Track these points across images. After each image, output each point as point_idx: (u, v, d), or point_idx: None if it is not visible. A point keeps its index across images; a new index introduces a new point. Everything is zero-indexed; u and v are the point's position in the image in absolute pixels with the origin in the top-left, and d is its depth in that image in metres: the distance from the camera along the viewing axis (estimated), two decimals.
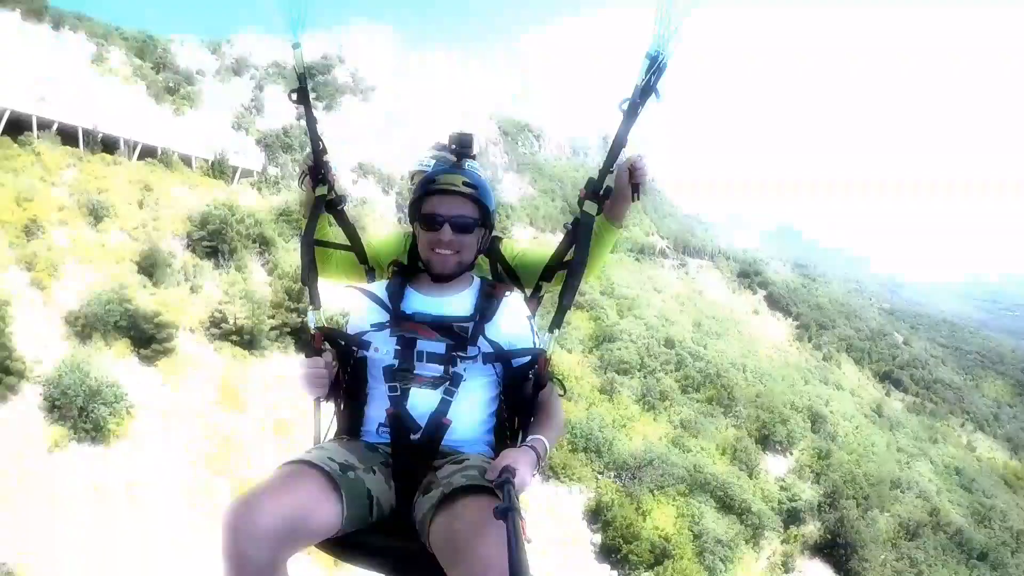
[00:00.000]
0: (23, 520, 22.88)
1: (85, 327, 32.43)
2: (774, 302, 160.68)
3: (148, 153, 63.83)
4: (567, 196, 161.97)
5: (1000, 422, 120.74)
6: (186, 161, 67.93)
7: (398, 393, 2.51)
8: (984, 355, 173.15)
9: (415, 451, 2.43)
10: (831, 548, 48.39)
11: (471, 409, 2.59)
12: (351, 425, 2.72)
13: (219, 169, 70.87)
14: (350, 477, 2.23)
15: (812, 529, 50.24)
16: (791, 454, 61.23)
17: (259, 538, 1.85)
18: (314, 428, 2.75)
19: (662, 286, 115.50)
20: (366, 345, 2.59)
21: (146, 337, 33.25)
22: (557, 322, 2.64)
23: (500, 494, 1.95)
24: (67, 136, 54.48)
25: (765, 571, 44.79)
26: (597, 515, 42.23)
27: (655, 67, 2.51)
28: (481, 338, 2.54)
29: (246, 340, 35.51)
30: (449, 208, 2.61)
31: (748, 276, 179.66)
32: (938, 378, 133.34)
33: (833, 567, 47.46)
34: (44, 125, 54.43)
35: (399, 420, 2.47)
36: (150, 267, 39.03)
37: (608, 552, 39.93)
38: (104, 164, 53.30)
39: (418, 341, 2.54)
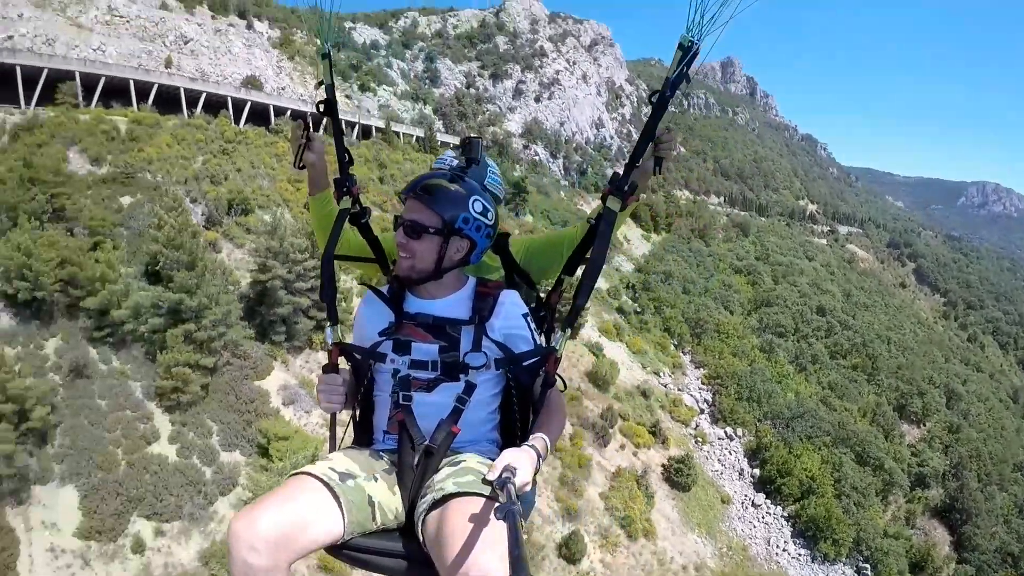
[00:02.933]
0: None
1: None
2: (922, 276, 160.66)
3: (365, 132, 74.28)
4: (718, 157, 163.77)
5: None
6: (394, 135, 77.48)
7: (399, 399, 2.55)
8: None
9: (421, 458, 2.46)
10: (949, 512, 54.59)
11: (473, 411, 2.58)
12: (363, 433, 2.81)
13: (430, 144, 79.81)
14: (349, 485, 2.31)
15: (935, 494, 56.56)
16: (924, 425, 67.08)
17: (258, 545, 2.01)
18: (330, 439, 2.84)
19: (813, 253, 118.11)
20: (382, 357, 2.60)
21: None
22: (570, 321, 2.63)
23: (501, 493, 1.94)
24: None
25: (890, 522, 51.79)
26: (756, 454, 51.43)
27: (688, 57, 2.46)
28: (485, 339, 2.53)
29: None
30: (407, 212, 2.59)
31: (898, 247, 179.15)
32: None
33: (948, 530, 53.75)
34: (279, 112, 64.47)
35: (403, 427, 2.51)
36: None
37: (764, 483, 49.28)
38: None
39: (412, 345, 2.57)
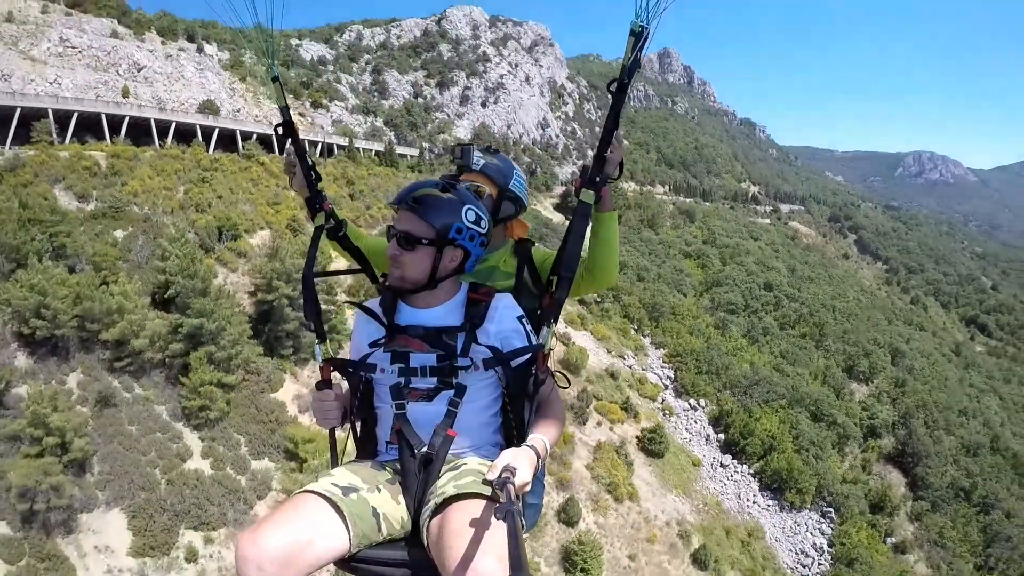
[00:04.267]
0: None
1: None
2: (864, 246, 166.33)
3: (328, 150, 75.68)
4: (660, 147, 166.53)
5: None
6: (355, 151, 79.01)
7: (397, 410, 2.52)
8: None
9: (421, 465, 2.43)
10: (901, 457, 59.09)
11: (472, 415, 2.56)
12: (365, 446, 2.76)
13: (390, 158, 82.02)
14: (352, 499, 2.29)
15: (887, 442, 61.14)
16: (872, 382, 71.99)
17: (265, 565, 2.01)
18: (331, 455, 2.80)
19: (758, 233, 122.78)
20: (372, 368, 2.58)
21: None
22: (553, 315, 2.65)
23: (501, 494, 1.96)
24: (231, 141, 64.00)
25: (848, 470, 56.44)
26: (719, 420, 55.74)
27: (641, 43, 2.37)
28: (475, 346, 2.50)
29: None
30: (399, 223, 2.55)
31: (839, 220, 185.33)
32: None
33: (902, 472, 58.23)
34: (246, 136, 64.87)
35: (403, 436, 2.48)
36: None
37: (729, 445, 53.63)
38: None
39: (411, 355, 2.53)
